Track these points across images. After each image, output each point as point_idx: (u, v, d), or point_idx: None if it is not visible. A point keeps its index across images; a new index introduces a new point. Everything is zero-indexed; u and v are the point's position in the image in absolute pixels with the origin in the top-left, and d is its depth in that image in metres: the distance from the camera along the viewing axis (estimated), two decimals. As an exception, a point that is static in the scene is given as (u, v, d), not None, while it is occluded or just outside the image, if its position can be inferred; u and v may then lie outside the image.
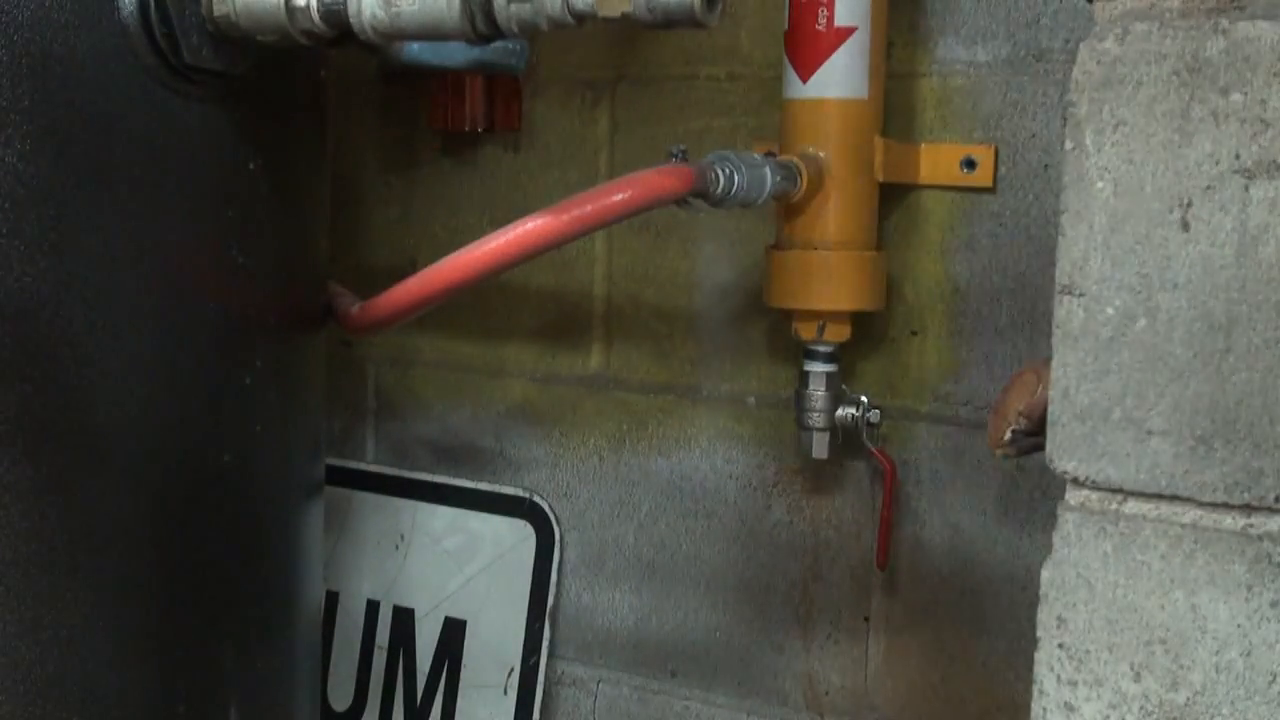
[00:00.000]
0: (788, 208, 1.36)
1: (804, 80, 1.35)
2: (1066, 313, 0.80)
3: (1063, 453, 0.81)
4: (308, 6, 1.04)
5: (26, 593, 1.01)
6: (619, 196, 1.17)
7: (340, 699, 1.78)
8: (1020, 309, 1.40)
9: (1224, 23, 0.74)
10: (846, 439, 1.44)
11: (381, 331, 1.40)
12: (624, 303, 1.63)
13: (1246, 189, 0.74)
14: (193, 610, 1.17)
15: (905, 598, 1.49)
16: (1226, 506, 0.76)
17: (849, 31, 1.34)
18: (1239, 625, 0.76)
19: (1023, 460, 1.19)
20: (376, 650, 1.77)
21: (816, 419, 1.41)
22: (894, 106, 1.42)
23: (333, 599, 1.76)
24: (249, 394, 1.20)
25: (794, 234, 1.37)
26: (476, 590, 1.71)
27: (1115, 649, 0.79)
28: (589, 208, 1.16)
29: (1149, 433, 0.78)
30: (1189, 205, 0.76)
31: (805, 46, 1.35)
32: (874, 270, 1.39)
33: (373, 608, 1.78)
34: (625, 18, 0.98)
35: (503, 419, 1.73)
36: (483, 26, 1.01)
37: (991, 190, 1.41)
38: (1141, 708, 0.79)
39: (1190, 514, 0.77)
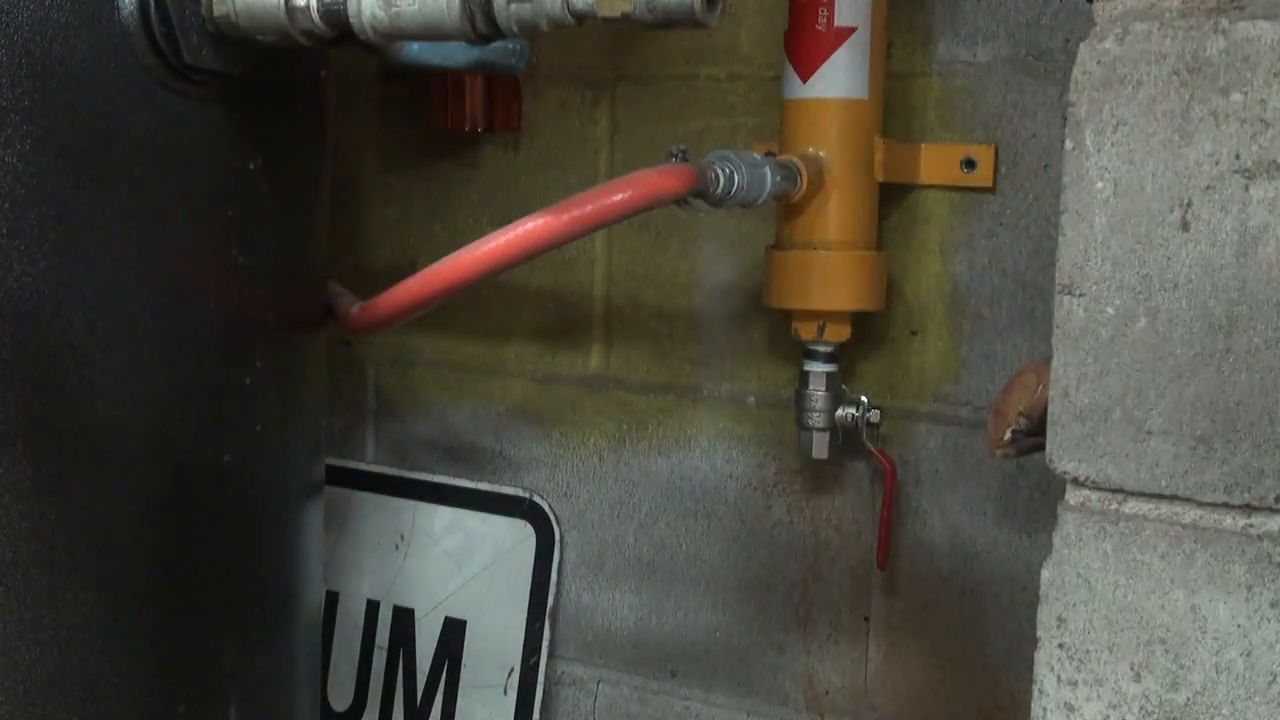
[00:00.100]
0: (788, 208, 1.36)
1: (804, 80, 1.35)
2: (1066, 313, 0.80)
3: (1063, 453, 0.81)
4: (308, 6, 1.04)
5: (26, 593, 1.01)
6: (619, 196, 1.17)
7: (340, 699, 1.78)
8: (1020, 309, 1.40)
9: (1224, 23, 0.74)
10: (846, 439, 1.44)
11: (381, 331, 1.40)
12: (624, 303, 1.63)
13: (1246, 189, 0.74)
14: (192, 610, 1.17)
15: (905, 598, 1.49)
16: (1226, 506, 0.76)
17: (849, 31, 1.34)
18: (1239, 625, 0.76)
19: (1023, 460, 1.19)
20: (376, 650, 1.77)
21: (816, 419, 1.41)
22: (894, 106, 1.42)
23: (333, 599, 1.76)
24: (249, 394, 1.20)
25: (794, 234, 1.37)
26: (476, 590, 1.71)
27: (1115, 649, 0.80)
28: (589, 208, 1.16)
29: (1149, 433, 0.78)
30: (1189, 205, 0.76)
31: (805, 46, 1.35)
32: (874, 270, 1.39)
33: (373, 608, 1.78)
34: (625, 18, 0.98)
35: (503, 419, 1.73)
36: (483, 26, 1.01)
37: (991, 190, 1.41)
38: (1141, 708, 0.79)
39: (1190, 514, 0.77)
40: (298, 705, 1.34)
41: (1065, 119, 0.80)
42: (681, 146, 1.24)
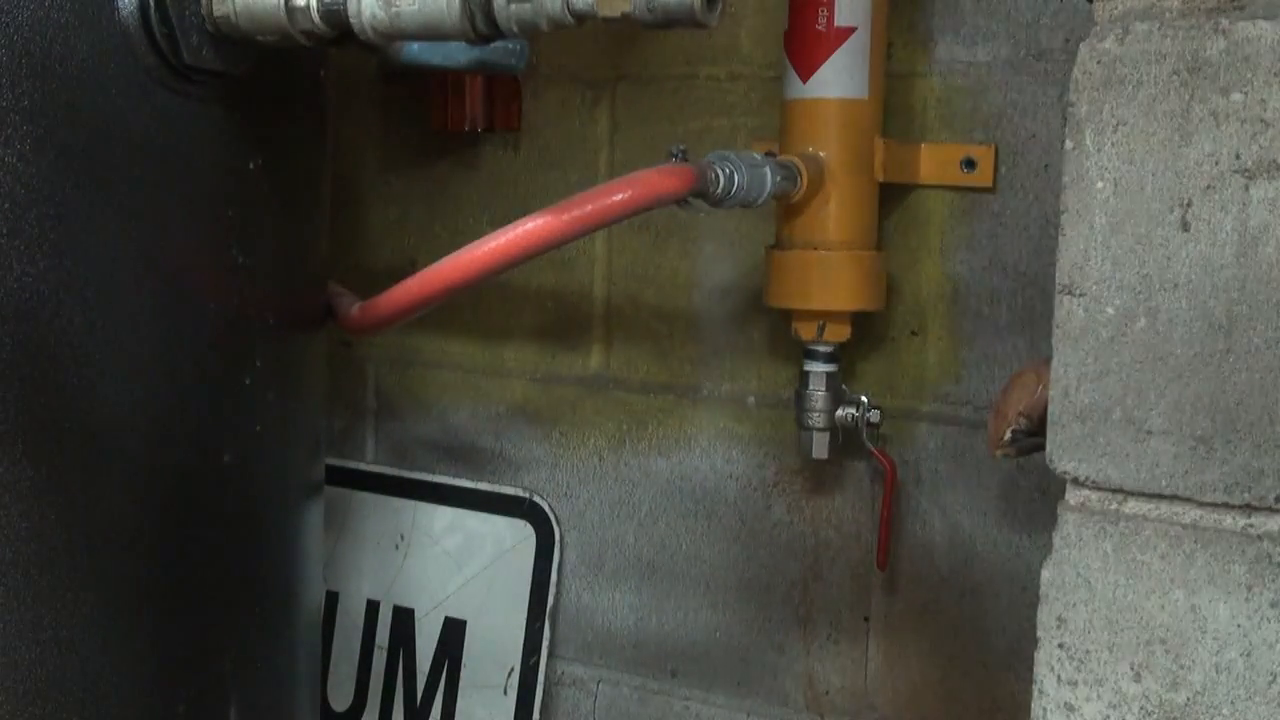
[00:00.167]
0: (788, 208, 1.36)
1: (804, 80, 1.35)
2: (1066, 313, 0.80)
3: (1063, 453, 0.81)
4: (307, 6, 1.04)
5: (26, 593, 1.01)
6: (619, 196, 1.17)
7: (340, 699, 1.78)
8: (1020, 309, 1.40)
9: (1224, 23, 0.74)
10: (846, 439, 1.44)
11: (381, 331, 1.40)
12: (624, 303, 1.63)
13: (1246, 189, 0.74)
14: (193, 610, 1.17)
15: (905, 598, 1.49)
16: (1227, 506, 0.76)
17: (849, 31, 1.34)
18: (1239, 625, 0.76)
19: (1023, 460, 1.19)
20: (376, 650, 1.77)
21: (816, 419, 1.41)
22: (894, 106, 1.42)
23: (333, 599, 1.76)
24: (249, 394, 1.20)
25: (794, 234, 1.37)
26: (476, 590, 1.71)
27: (1115, 649, 0.80)
28: (589, 208, 1.16)
29: (1149, 433, 0.78)
30: (1189, 205, 0.76)
31: (805, 46, 1.35)
32: (874, 270, 1.39)
33: (373, 608, 1.78)
34: (625, 18, 0.97)
35: (502, 419, 1.73)
36: (483, 26, 1.01)
37: (991, 190, 1.41)
38: (1141, 708, 0.79)
39: (1190, 514, 0.77)
40: (298, 705, 1.34)
41: (1065, 119, 0.80)
42: (681, 146, 1.24)
